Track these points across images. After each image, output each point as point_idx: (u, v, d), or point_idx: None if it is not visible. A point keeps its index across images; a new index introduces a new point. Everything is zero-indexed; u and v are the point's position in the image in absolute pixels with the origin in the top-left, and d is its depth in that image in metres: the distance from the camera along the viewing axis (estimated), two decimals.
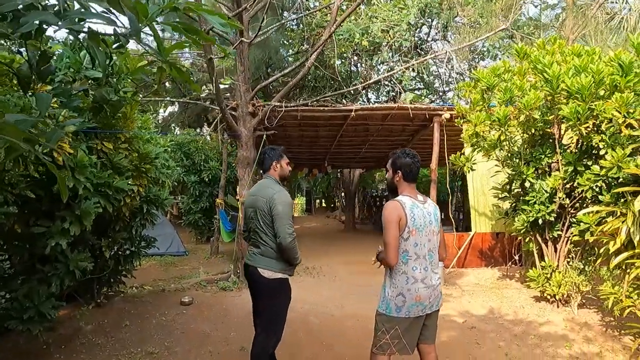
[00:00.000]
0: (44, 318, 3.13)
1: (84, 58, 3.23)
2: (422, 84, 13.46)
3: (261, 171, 3.15)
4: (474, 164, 5.70)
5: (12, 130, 1.21)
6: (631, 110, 3.66)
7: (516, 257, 7.33)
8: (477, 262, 7.78)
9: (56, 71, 3.08)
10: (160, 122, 14.74)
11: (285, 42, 12.51)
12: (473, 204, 7.76)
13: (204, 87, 10.52)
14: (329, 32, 6.27)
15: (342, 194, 19.90)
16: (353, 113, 7.07)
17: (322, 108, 7.02)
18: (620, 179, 3.78)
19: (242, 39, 6.01)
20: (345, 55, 11.40)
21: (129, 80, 3.50)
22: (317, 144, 10.12)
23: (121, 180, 3.38)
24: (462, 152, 5.95)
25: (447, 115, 7.31)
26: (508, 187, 5.34)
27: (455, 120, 5.79)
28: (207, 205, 10.31)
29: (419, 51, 11.29)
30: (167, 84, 13.37)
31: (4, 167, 2.46)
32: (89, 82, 3.14)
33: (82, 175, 2.94)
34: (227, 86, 10.15)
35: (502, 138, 4.51)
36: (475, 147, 4.92)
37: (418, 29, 12.33)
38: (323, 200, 28.35)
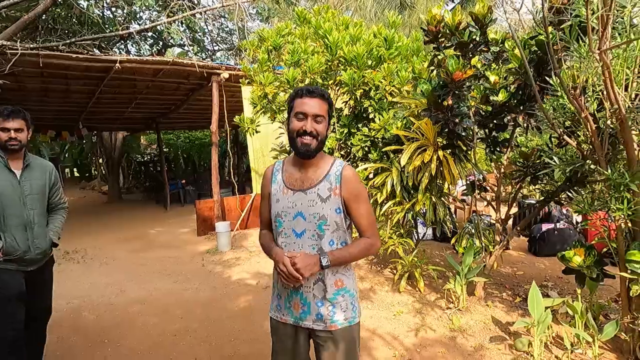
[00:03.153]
0: None
1: None
2: (191, 40, 12.58)
3: None
4: (257, 126, 5.67)
5: None
6: (392, 80, 4.25)
7: None
8: (258, 223, 8.02)
9: None
10: None
11: None
12: (253, 165, 7.88)
13: None
14: None
15: (102, 160, 17.28)
16: (118, 65, 5.94)
17: (74, 55, 5.60)
18: (385, 140, 4.40)
19: None
20: None
21: None
22: (68, 100, 8.18)
23: None
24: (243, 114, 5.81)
25: (225, 74, 7.04)
26: (289, 148, 5.55)
27: (241, 80, 5.57)
28: None
29: (189, 3, 10.37)
30: None
31: None
32: None
33: None
34: None
35: None
36: (265, 109, 4.85)
37: None
38: (75, 169, 23.99)
